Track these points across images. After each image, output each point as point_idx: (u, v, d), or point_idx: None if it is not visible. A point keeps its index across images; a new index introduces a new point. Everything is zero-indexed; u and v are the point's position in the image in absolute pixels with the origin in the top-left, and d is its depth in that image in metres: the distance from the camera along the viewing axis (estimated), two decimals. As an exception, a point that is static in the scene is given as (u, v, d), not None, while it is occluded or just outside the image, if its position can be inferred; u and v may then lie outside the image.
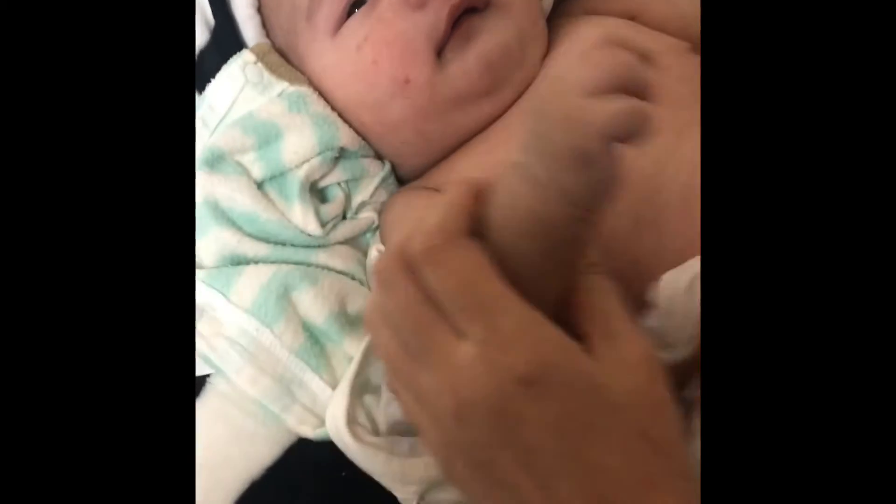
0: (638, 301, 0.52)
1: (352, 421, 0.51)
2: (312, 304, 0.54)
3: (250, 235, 0.56)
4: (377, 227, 0.61)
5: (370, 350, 0.53)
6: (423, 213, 0.40)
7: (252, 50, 0.60)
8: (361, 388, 0.53)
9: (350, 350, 0.55)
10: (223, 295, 0.54)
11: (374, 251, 0.58)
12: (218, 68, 0.60)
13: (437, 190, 0.59)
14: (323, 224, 0.57)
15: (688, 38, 0.61)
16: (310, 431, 0.53)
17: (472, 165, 0.58)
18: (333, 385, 0.54)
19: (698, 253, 0.49)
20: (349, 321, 0.56)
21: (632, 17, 0.64)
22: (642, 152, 0.52)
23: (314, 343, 0.55)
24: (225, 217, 0.56)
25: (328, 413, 0.52)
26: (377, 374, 0.54)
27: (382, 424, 0.52)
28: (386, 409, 0.52)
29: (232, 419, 0.55)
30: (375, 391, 0.53)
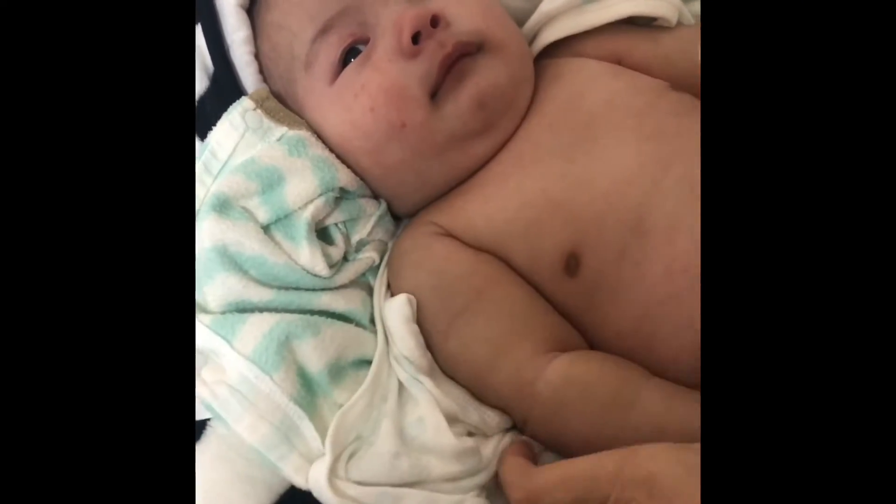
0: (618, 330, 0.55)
1: (334, 475, 0.53)
2: (311, 354, 0.56)
3: (256, 280, 0.57)
4: (377, 266, 0.63)
5: (347, 412, 0.55)
6: None
7: (251, 97, 0.62)
8: (347, 440, 0.55)
9: (340, 399, 0.56)
10: (227, 342, 0.55)
11: (397, 302, 0.59)
12: (218, 114, 0.61)
13: (440, 227, 0.61)
14: (331, 265, 0.58)
15: (672, 77, 0.64)
16: (304, 482, 0.54)
17: (469, 208, 0.60)
18: (323, 434, 0.54)
19: (679, 277, 0.53)
20: (340, 370, 0.57)
21: (618, 59, 0.66)
22: (627, 182, 0.55)
23: (308, 391, 0.56)
24: (232, 262, 0.57)
25: (312, 467, 0.54)
26: (365, 426, 0.55)
27: (369, 474, 0.53)
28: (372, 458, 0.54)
29: (232, 462, 0.55)
30: (365, 443, 0.55)
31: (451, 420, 0.55)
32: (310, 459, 0.54)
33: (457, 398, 0.56)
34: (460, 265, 0.58)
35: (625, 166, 0.56)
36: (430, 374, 0.56)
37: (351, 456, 0.54)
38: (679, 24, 0.68)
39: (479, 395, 0.57)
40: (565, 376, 0.53)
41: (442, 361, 0.57)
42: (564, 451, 0.54)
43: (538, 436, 0.56)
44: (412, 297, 0.58)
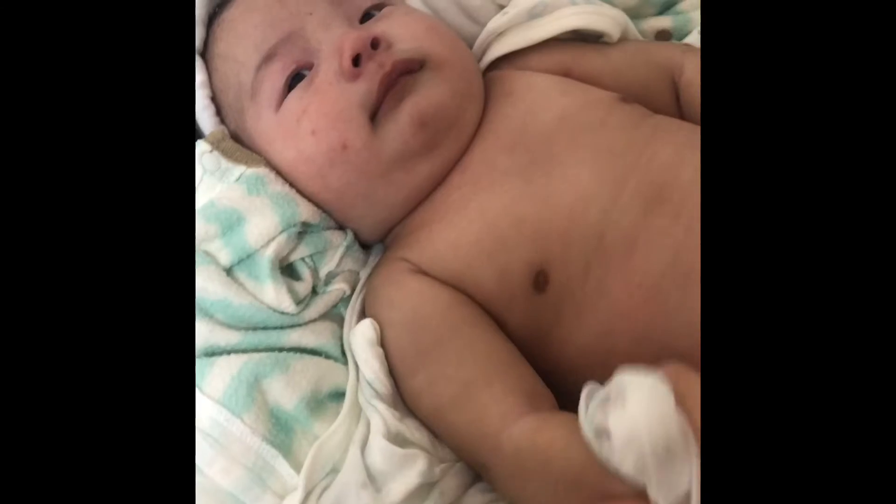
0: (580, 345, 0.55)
1: None
2: (283, 391, 0.55)
3: (223, 324, 0.57)
4: (349, 296, 0.62)
5: (324, 443, 0.54)
6: None
7: (207, 139, 0.62)
8: (323, 473, 0.54)
9: (320, 432, 0.55)
10: (197, 386, 0.54)
11: (361, 326, 0.58)
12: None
13: (410, 263, 0.60)
14: (297, 302, 0.58)
15: (620, 88, 0.64)
16: None
17: (435, 238, 0.59)
18: (300, 470, 0.54)
19: (635, 292, 0.53)
20: (319, 404, 0.56)
21: (565, 71, 0.67)
22: (587, 199, 0.55)
23: (281, 429, 0.55)
24: (197, 308, 0.56)
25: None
26: (342, 457, 0.54)
27: None
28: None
29: None
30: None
31: (402, 442, 0.54)
32: (283, 497, 0.53)
33: (411, 427, 0.55)
34: (435, 302, 0.57)
35: (583, 184, 0.56)
36: (392, 403, 0.55)
37: (325, 490, 0.53)
38: (622, 39, 0.69)
39: (437, 432, 0.55)
40: (531, 441, 0.49)
41: (406, 397, 0.56)
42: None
43: (495, 487, 0.53)
44: (374, 321, 0.57)
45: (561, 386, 0.55)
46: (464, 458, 0.54)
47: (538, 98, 0.63)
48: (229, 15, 0.65)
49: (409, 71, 0.59)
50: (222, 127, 0.64)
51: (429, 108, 0.59)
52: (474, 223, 0.58)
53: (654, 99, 0.65)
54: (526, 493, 0.50)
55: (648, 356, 0.49)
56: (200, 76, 0.65)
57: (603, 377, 0.51)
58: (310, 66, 0.61)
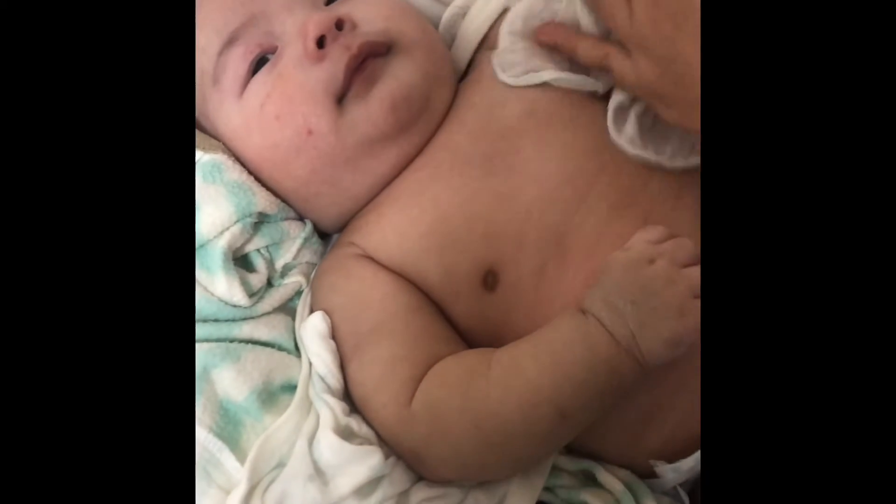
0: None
1: None
2: (233, 382, 0.54)
3: (171, 314, 0.55)
4: (303, 291, 0.61)
5: (271, 436, 0.53)
6: None
7: (163, 123, 0.60)
8: (268, 467, 0.53)
9: (269, 425, 0.54)
10: None
11: (313, 319, 0.57)
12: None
13: (358, 247, 0.59)
14: (251, 294, 0.56)
15: None
16: None
17: (383, 222, 0.58)
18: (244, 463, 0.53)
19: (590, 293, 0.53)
20: (271, 396, 0.55)
21: None
22: (550, 198, 0.54)
23: (228, 421, 0.54)
24: (144, 298, 0.54)
25: (227, 499, 0.52)
26: (290, 451, 0.53)
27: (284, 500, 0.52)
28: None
29: None
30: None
31: (349, 436, 0.53)
32: (230, 492, 0.52)
33: (358, 420, 0.54)
34: (375, 289, 0.56)
35: (547, 182, 0.55)
36: (343, 397, 0.54)
37: (270, 483, 0.52)
38: None
39: (369, 421, 0.54)
40: (428, 377, 0.52)
41: (347, 386, 0.55)
42: (454, 462, 0.52)
43: (427, 461, 0.53)
44: (326, 314, 0.56)
45: None
46: (395, 449, 0.53)
47: (505, 88, 0.61)
48: None
49: (376, 53, 0.58)
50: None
51: (401, 92, 0.57)
52: (427, 213, 0.57)
53: None
54: (445, 421, 0.51)
55: None
56: None
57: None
58: (274, 51, 0.59)
